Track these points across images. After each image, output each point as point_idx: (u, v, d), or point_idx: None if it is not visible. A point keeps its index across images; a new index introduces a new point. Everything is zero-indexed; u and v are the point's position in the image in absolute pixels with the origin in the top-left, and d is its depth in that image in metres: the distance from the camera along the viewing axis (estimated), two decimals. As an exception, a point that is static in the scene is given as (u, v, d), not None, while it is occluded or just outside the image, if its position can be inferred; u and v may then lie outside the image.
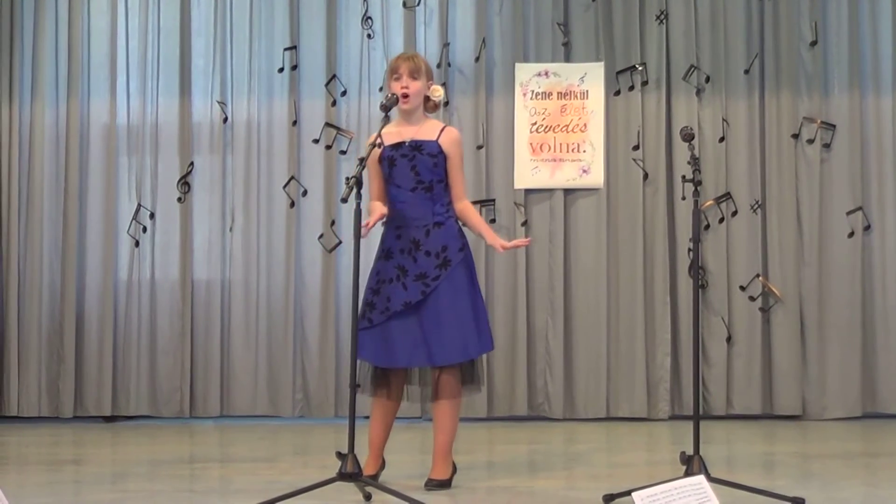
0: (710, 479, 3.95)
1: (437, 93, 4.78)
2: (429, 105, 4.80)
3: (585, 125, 7.34)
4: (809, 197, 7.28)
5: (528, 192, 7.31)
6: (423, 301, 4.57)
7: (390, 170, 4.67)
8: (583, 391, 7.26)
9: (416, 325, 4.56)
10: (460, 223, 4.79)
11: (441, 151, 4.69)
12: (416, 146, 4.67)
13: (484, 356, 4.79)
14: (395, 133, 4.69)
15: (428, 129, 4.73)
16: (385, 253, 4.67)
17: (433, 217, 4.66)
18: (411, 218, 4.65)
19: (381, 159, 4.70)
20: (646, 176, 7.32)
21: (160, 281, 7.44)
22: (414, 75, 4.69)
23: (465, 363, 4.66)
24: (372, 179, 4.75)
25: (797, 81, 7.33)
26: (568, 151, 7.32)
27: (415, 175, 4.65)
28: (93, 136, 7.50)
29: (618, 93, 7.38)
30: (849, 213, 7.27)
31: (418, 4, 7.41)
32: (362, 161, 4.39)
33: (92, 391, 7.35)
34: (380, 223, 4.66)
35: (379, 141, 4.58)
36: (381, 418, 4.75)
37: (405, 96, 4.67)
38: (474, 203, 7.07)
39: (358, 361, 4.44)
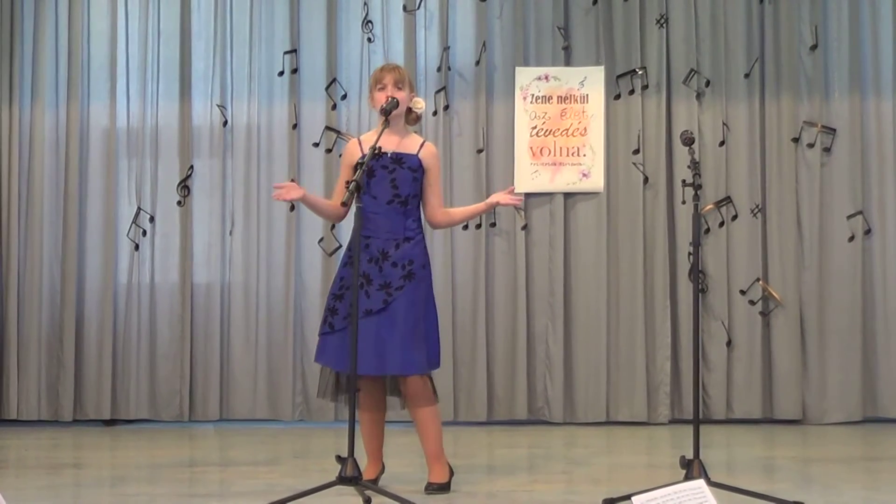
0: (710, 483, 3.95)
1: (419, 105, 4.82)
2: (410, 117, 4.83)
3: (585, 129, 7.34)
4: (810, 201, 7.28)
5: (528, 195, 7.31)
6: (384, 310, 4.59)
7: (368, 180, 4.68)
8: (583, 395, 7.26)
9: (372, 334, 4.56)
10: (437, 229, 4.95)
11: (421, 166, 4.73)
12: (398, 159, 4.69)
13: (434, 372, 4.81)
14: (379, 139, 4.69)
15: (409, 143, 4.77)
16: (350, 260, 4.67)
17: (404, 232, 4.70)
18: (383, 230, 4.67)
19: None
20: (646, 180, 7.32)
21: (160, 284, 7.44)
22: (398, 85, 4.73)
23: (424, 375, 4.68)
24: (341, 178, 4.78)
25: (797, 85, 7.33)
26: (568, 155, 7.32)
27: (393, 188, 4.68)
28: (93, 140, 7.50)
29: (618, 97, 7.38)
30: (849, 217, 7.26)
31: (419, 8, 7.41)
32: (362, 165, 4.40)
33: (91, 395, 7.34)
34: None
35: (378, 146, 4.57)
36: (369, 428, 4.78)
37: (393, 98, 4.68)
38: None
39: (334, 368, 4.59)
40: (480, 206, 5.04)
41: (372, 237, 4.67)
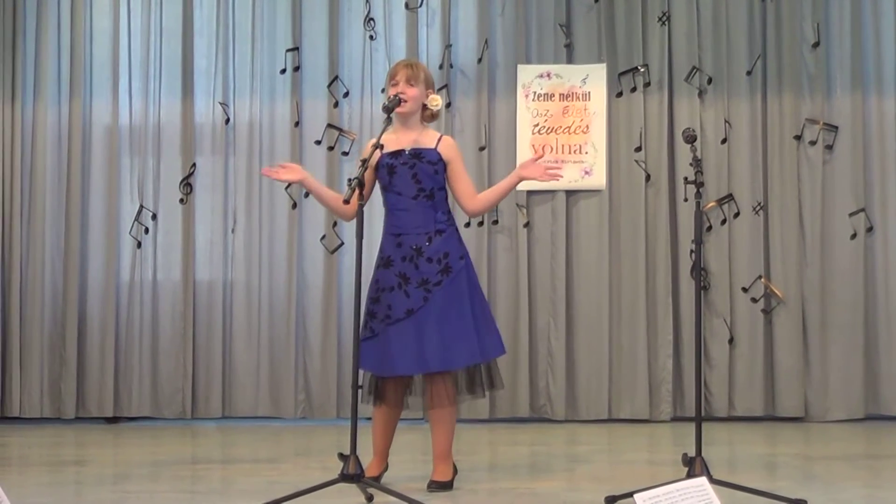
0: (713, 480, 3.95)
1: (435, 102, 4.77)
2: (425, 114, 4.80)
3: (587, 127, 7.34)
4: (812, 198, 7.28)
5: (530, 193, 7.31)
6: (423, 307, 4.57)
7: (390, 177, 4.67)
8: (585, 392, 7.26)
9: (413, 332, 4.55)
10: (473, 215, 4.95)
11: (441, 159, 4.71)
12: (416, 154, 4.68)
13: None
14: (393, 140, 4.68)
15: (426, 138, 4.75)
16: (385, 261, 4.66)
17: (435, 225, 4.67)
18: (413, 225, 4.65)
19: (378, 166, 4.69)
20: (648, 177, 7.32)
21: (162, 282, 7.44)
22: (410, 82, 4.71)
23: (468, 369, 4.66)
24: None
25: (799, 83, 7.32)
26: (570, 153, 7.32)
27: (416, 183, 4.66)
28: (95, 137, 7.49)
29: (620, 94, 7.37)
30: (851, 214, 7.26)
31: (420, 6, 7.41)
32: (364, 163, 4.40)
33: (94, 392, 7.34)
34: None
35: (380, 143, 4.57)
36: (383, 425, 4.76)
37: (395, 96, 4.67)
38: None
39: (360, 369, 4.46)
40: (508, 181, 4.79)
41: (403, 234, 4.65)
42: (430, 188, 4.68)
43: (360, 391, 4.40)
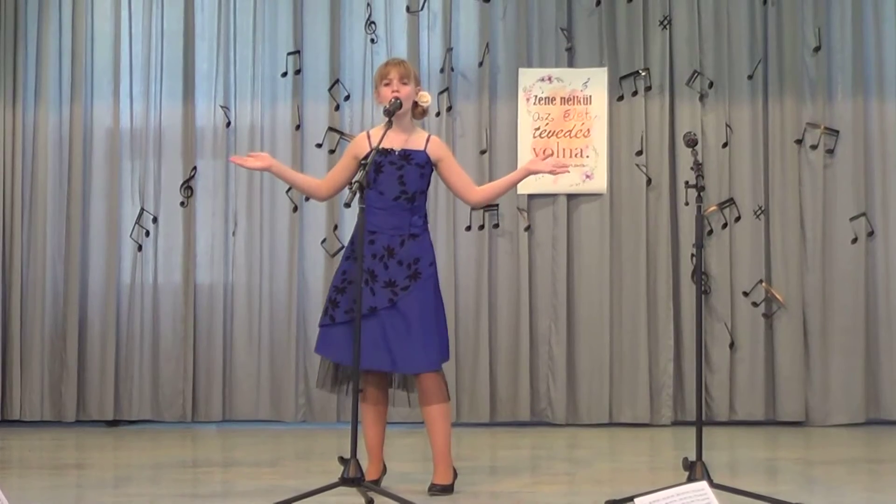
0: (713, 485, 3.95)
1: (425, 98, 4.80)
2: (417, 111, 4.81)
3: (589, 130, 7.34)
4: (813, 202, 7.28)
5: (531, 197, 7.31)
6: (389, 309, 4.59)
7: (376, 175, 4.68)
8: (586, 396, 7.26)
9: (379, 330, 4.57)
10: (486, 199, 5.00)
11: (429, 161, 4.73)
12: (406, 156, 4.69)
13: (444, 371, 4.81)
14: (383, 139, 4.68)
15: (415, 140, 4.76)
16: (353, 254, 4.66)
17: (409, 228, 4.69)
18: (389, 226, 4.66)
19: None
20: (649, 181, 7.31)
21: (163, 285, 7.44)
22: (404, 80, 4.71)
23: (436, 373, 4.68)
24: (340, 168, 4.80)
25: (801, 87, 7.32)
26: (571, 156, 7.32)
27: (400, 185, 4.68)
28: (96, 140, 7.50)
29: (621, 98, 7.38)
30: (852, 218, 7.26)
31: (422, 9, 7.41)
32: (365, 166, 4.40)
33: (94, 395, 7.34)
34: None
35: (379, 146, 4.57)
36: (372, 423, 4.77)
37: (397, 100, 4.67)
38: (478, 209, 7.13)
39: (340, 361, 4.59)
40: (516, 174, 4.94)
41: (377, 232, 4.66)
42: (413, 191, 4.70)
43: (360, 394, 4.42)
